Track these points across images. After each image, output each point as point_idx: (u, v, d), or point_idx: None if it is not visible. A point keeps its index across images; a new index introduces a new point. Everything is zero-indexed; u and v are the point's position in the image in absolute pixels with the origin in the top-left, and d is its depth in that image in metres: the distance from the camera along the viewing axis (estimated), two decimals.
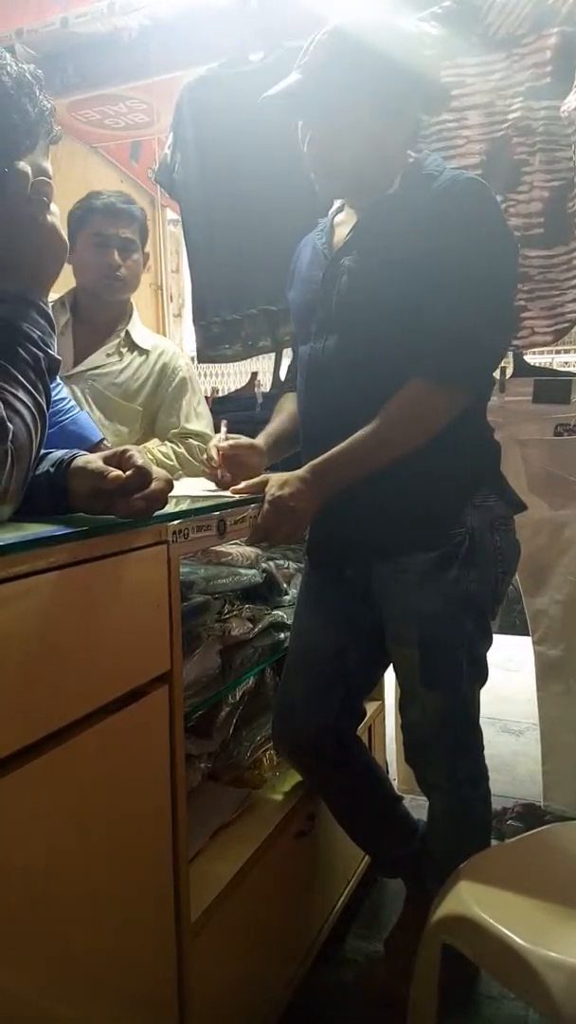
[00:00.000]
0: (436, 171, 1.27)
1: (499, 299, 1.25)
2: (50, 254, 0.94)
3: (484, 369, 1.30)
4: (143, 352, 1.93)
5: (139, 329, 1.96)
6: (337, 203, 1.41)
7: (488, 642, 1.35)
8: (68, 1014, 0.83)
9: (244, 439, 1.37)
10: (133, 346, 1.92)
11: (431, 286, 1.20)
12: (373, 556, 1.35)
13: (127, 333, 1.93)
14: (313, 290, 1.36)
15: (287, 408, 1.49)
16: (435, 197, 1.23)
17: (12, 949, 0.75)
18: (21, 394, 0.85)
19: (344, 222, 1.37)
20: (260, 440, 1.40)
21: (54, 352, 0.92)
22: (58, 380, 1.50)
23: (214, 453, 1.31)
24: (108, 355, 1.90)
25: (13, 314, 0.88)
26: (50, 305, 0.94)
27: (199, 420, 1.94)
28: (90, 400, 1.86)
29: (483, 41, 1.72)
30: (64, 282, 1.91)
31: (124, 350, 1.92)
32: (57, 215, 0.95)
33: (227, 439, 1.34)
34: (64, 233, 0.96)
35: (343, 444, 1.23)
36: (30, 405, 0.86)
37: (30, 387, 0.87)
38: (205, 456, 1.35)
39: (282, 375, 2.10)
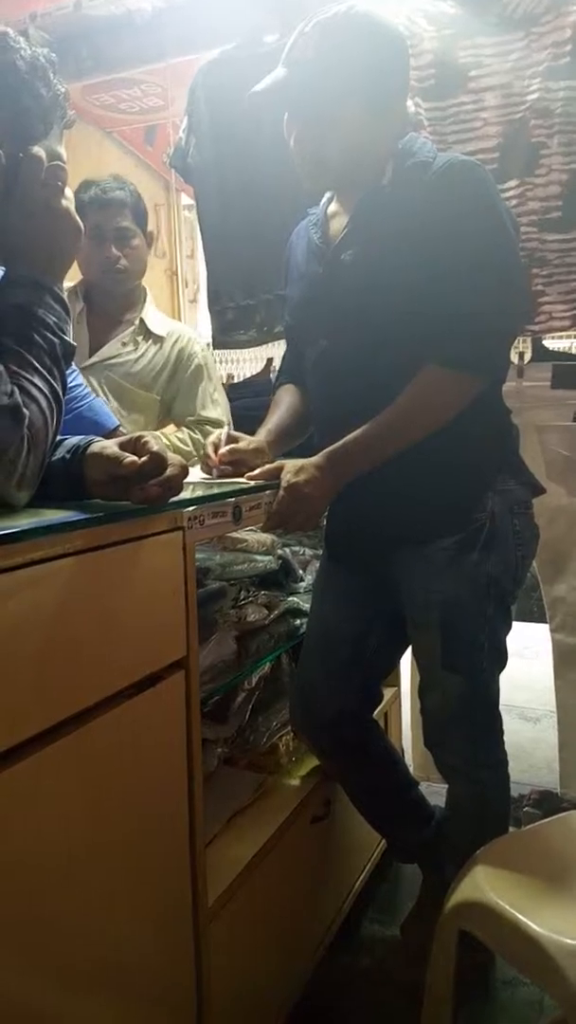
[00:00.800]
0: (428, 157, 1.24)
1: (508, 280, 1.24)
2: (64, 239, 0.94)
3: (498, 352, 1.28)
4: (158, 339, 1.91)
5: (153, 315, 1.95)
6: (328, 192, 1.39)
7: (508, 626, 1.35)
8: (85, 996, 0.84)
9: (246, 441, 1.34)
10: (148, 334, 1.91)
11: (437, 274, 1.19)
12: (394, 546, 1.34)
13: (141, 321, 1.91)
14: (313, 286, 1.35)
15: (285, 401, 1.47)
16: (432, 185, 1.21)
17: (29, 929, 0.75)
18: (37, 380, 0.85)
19: (337, 213, 1.35)
20: (261, 436, 1.38)
21: (69, 338, 0.92)
22: (73, 367, 1.50)
23: (211, 451, 1.30)
24: (123, 344, 1.89)
25: (28, 300, 0.88)
26: (65, 291, 0.94)
27: (215, 407, 1.92)
28: (107, 391, 1.86)
29: (501, 20, 1.69)
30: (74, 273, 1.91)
31: (139, 339, 1.90)
32: (71, 200, 0.94)
33: (227, 443, 1.30)
34: (78, 218, 0.95)
35: (359, 431, 1.22)
36: (46, 391, 0.86)
37: (46, 373, 0.87)
38: (203, 452, 1.33)
39: None
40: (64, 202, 0.93)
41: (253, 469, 1.25)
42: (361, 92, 1.20)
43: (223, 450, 1.29)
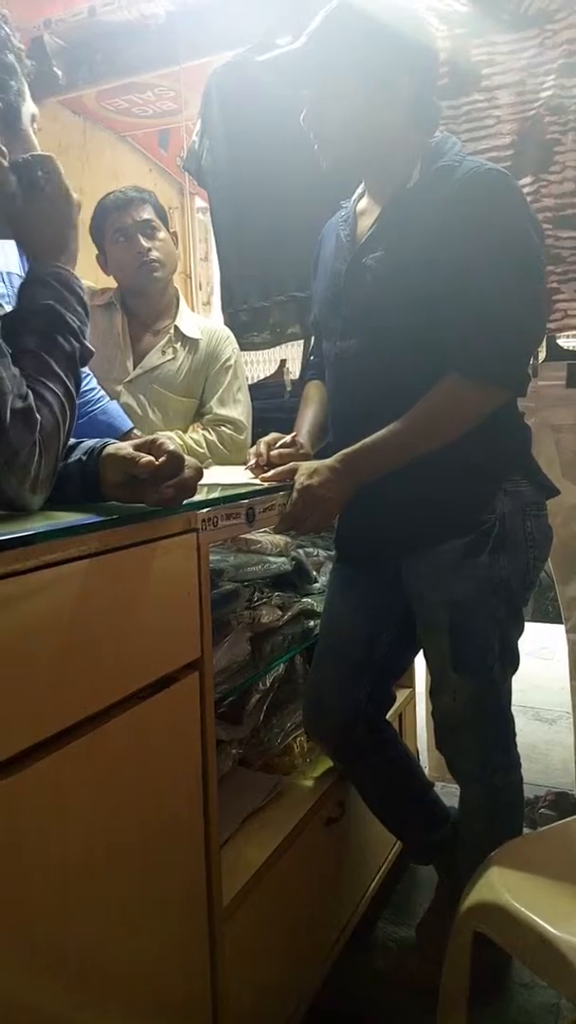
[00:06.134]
0: (455, 161, 1.23)
1: (532, 293, 1.23)
2: (60, 216, 0.93)
3: (521, 365, 1.27)
4: (194, 343, 1.92)
5: (187, 319, 1.95)
6: (360, 188, 1.40)
7: (520, 628, 1.34)
8: (100, 996, 0.85)
9: (298, 445, 1.35)
10: (184, 339, 1.92)
11: (461, 284, 1.18)
12: (403, 548, 1.34)
13: (176, 328, 1.92)
14: (337, 284, 1.35)
15: (315, 397, 1.48)
16: (456, 192, 1.20)
17: (46, 930, 0.76)
18: (52, 384, 0.86)
19: (366, 212, 1.35)
20: (304, 439, 1.38)
21: (88, 342, 0.92)
22: (87, 371, 1.51)
23: (263, 450, 1.30)
24: (163, 353, 1.90)
25: (57, 301, 0.89)
26: (85, 288, 0.94)
27: (235, 406, 1.91)
28: (152, 404, 1.87)
29: (514, 18, 1.69)
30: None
31: (177, 345, 1.91)
32: (57, 172, 0.93)
33: (279, 446, 1.33)
34: (70, 188, 0.94)
35: (376, 435, 1.22)
36: (59, 394, 0.87)
37: (62, 376, 0.88)
38: (253, 452, 1.34)
39: None
40: (50, 180, 0.93)
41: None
42: (359, 65, 1.22)
43: (275, 452, 1.30)
